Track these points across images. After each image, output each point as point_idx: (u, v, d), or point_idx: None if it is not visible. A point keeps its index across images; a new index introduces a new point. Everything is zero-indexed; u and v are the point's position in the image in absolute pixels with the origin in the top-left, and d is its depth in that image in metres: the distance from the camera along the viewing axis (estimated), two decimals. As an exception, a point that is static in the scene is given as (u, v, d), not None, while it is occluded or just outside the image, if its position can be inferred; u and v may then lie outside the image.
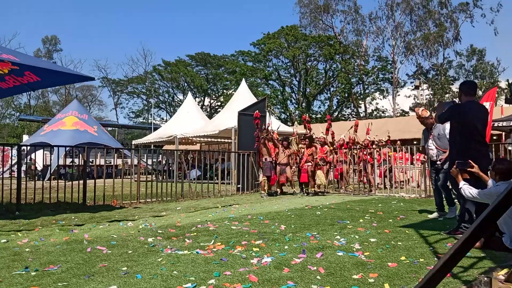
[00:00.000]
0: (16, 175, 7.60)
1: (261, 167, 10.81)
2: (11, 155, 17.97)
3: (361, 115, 44.72)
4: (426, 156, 6.83)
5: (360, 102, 45.69)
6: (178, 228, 5.31)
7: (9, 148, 17.14)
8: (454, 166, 4.34)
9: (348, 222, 5.68)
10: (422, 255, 3.67)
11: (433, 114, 5.92)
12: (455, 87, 42.44)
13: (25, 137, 26.21)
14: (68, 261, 3.51)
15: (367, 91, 45.36)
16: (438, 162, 6.14)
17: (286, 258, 3.58)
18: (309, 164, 10.71)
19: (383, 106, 45.98)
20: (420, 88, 34.06)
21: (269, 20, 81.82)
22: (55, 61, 51.26)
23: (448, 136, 5.31)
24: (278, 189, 11.22)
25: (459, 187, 4.18)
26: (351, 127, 13.22)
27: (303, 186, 11.11)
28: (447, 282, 2.85)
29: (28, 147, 12.37)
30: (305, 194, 10.66)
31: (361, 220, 5.84)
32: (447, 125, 5.54)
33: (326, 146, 11.43)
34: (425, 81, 43.34)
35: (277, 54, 44.19)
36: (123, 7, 78.82)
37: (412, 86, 44.40)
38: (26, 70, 6.80)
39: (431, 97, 43.11)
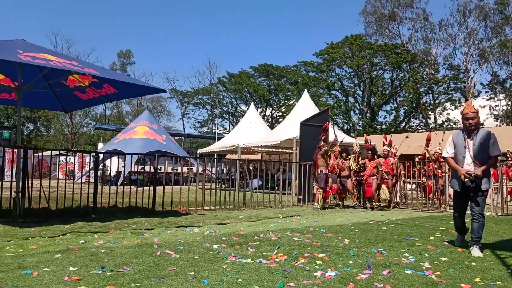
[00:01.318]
0: (92, 180, 8.17)
1: (315, 178, 10.60)
2: (89, 161, 19.35)
3: (431, 126, 42.57)
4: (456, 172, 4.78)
5: (430, 112, 43.51)
6: (241, 236, 5.40)
7: (86, 155, 18.49)
8: None
9: (417, 239, 5.42)
10: (500, 278, 3.41)
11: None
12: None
13: (100, 145, 28.12)
14: (140, 263, 3.71)
15: (437, 101, 43.14)
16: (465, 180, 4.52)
17: (350, 273, 3.50)
18: (374, 177, 10.35)
19: (454, 117, 43.40)
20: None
21: (332, 30, 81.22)
22: (129, 73, 54.67)
23: (490, 148, 4.49)
24: (340, 202, 10.98)
25: None
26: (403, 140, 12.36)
27: (367, 201, 10.73)
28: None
29: (103, 154, 13.25)
30: (370, 209, 10.24)
31: (431, 238, 5.55)
32: (490, 134, 4.55)
33: (391, 158, 10.99)
34: (501, 91, 40.37)
35: (341, 64, 43.57)
36: (191, 23, 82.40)
37: (487, 96, 41.61)
38: (104, 82, 7.35)
39: (509, 108, 40.01)
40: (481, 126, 5.04)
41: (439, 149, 11.84)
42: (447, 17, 41.49)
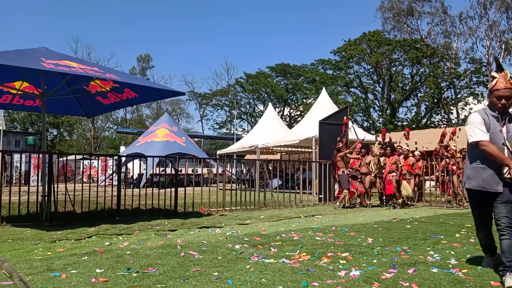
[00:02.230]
0: (115, 183, 8.32)
1: (337, 181, 10.46)
2: (112, 165, 19.71)
3: (453, 121, 41.72)
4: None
5: (452, 107, 42.65)
6: (263, 236, 5.41)
7: (109, 158, 18.84)
8: None
9: (442, 236, 5.32)
10: (531, 276, 3.31)
11: None
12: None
13: (122, 148, 28.61)
14: (164, 264, 3.76)
15: (459, 95, 42.26)
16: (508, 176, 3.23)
17: (375, 272, 3.47)
18: (394, 174, 10.13)
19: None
20: None
21: (350, 27, 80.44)
22: (148, 77, 55.39)
23: None
24: (358, 199, 10.75)
25: None
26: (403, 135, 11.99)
27: (388, 198, 10.48)
28: None
29: (125, 158, 13.48)
30: (392, 207, 10.00)
31: (457, 235, 5.43)
32: None
33: (411, 158, 10.76)
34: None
35: (359, 61, 43.17)
36: (207, 25, 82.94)
37: None
38: (125, 87, 7.47)
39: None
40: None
41: (454, 145, 11.54)
42: (467, 9, 40.64)
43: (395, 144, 11.29)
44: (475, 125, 3.36)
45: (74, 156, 11.71)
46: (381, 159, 10.42)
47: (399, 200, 10.18)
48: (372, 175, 10.41)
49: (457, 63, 41.62)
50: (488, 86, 3.45)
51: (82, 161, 26.55)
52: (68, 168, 22.71)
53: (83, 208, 7.83)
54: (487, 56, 39.05)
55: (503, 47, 38.11)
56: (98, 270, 3.53)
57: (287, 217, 7.82)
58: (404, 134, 12.00)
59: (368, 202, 10.54)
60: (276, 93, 50.96)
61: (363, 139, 12.11)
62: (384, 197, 10.69)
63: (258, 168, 18.51)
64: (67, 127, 52.63)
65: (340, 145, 10.31)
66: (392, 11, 41.82)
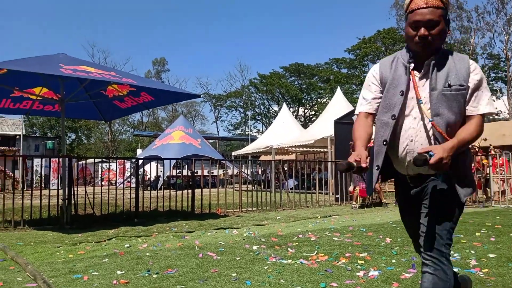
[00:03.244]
0: (134, 186, 8.44)
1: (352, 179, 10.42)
2: (130, 167, 19.96)
3: (471, 118, 40.98)
4: None
5: (469, 104, 41.92)
6: (280, 237, 5.42)
7: (127, 161, 19.09)
8: None
9: (462, 236, 5.25)
10: (555, 275, 3.25)
11: None
12: None
13: (139, 151, 28.91)
14: (183, 265, 3.81)
15: (477, 92, 41.49)
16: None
17: (394, 272, 3.45)
18: None
19: (496, 108, 41.59)
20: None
21: (364, 25, 79.76)
22: (163, 80, 55.91)
23: (473, 97, 1.98)
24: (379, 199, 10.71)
25: None
26: None
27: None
28: None
29: (142, 160, 13.65)
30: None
31: (477, 234, 5.35)
32: (473, 65, 2.03)
33: None
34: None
35: (374, 59, 42.81)
36: (221, 27, 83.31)
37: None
38: (142, 91, 7.58)
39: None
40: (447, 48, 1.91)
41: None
42: (484, 4, 39.92)
43: None
44: (364, 87, 2.13)
45: (92, 159, 11.91)
46: None
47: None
48: None
49: (475, 59, 40.87)
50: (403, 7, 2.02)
51: (100, 164, 27.01)
52: (87, 171, 23.09)
53: (102, 211, 7.97)
54: (505, 51, 38.25)
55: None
56: (119, 272, 3.60)
57: (304, 218, 7.82)
58: None
59: (384, 200, 10.50)
60: (290, 93, 50.88)
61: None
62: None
63: (274, 168, 18.51)
64: (85, 131, 53.48)
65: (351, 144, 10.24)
66: (406, 7, 41.32)
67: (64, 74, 6.06)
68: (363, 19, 77.33)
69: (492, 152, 11.24)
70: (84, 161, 23.44)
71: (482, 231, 5.63)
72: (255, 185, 17.14)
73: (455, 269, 3.46)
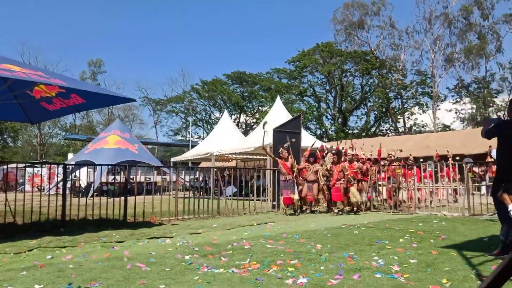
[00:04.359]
0: (61, 192, 7.95)
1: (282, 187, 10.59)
2: (57, 173, 18.83)
3: (400, 130, 43.68)
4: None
5: (399, 117, 44.70)
6: (214, 246, 5.37)
7: (55, 166, 17.98)
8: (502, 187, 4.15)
9: (387, 242, 5.53)
10: (465, 278, 3.52)
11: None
12: (498, 101, 40.73)
13: (70, 155, 27.44)
14: (109, 277, 3.63)
15: (405, 105, 44.39)
16: None
17: (322, 279, 3.54)
18: (341, 182, 10.33)
19: (422, 121, 44.76)
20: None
21: (304, 37, 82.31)
22: (99, 82, 53.60)
23: None
24: (306, 207, 10.90)
25: (509, 209, 4.05)
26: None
27: (333, 205, 10.72)
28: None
29: (73, 166, 12.94)
30: (339, 213, 10.24)
31: (400, 240, 5.67)
32: None
33: (355, 162, 11.05)
34: (467, 95, 41.87)
35: (312, 71, 44.27)
36: (162, 30, 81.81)
37: (453, 100, 43.09)
38: (72, 92, 7.19)
39: (474, 111, 41.52)
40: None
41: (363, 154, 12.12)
42: (414, 24, 42.91)
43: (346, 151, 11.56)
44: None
45: (16, 164, 11.07)
46: (328, 166, 10.65)
47: (346, 208, 10.39)
48: (322, 183, 10.62)
49: (404, 74, 43.75)
50: None
51: (24, 169, 25.22)
52: (10, 176, 21.42)
53: (25, 219, 7.41)
54: (431, 68, 41.32)
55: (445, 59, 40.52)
56: (37, 286, 3.35)
57: (240, 225, 7.82)
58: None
59: (317, 208, 10.80)
60: (232, 100, 51.02)
61: (312, 144, 12.35)
62: (330, 204, 10.89)
63: (213, 175, 18.40)
64: (11, 133, 49.74)
65: (284, 153, 10.38)
66: (344, 23, 43.35)
67: (-17, 72, 5.59)
68: (304, 31, 79.83)
69: (410, 161, 12.08)
70: (6, 166, 21.76)
71: (405, 237, 5.97)
72: (194, 192, 16.90)
73: (378, 275, 3.63)
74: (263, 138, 11.85)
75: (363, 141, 18.40)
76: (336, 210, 10.54)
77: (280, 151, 10.50)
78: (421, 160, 13.42)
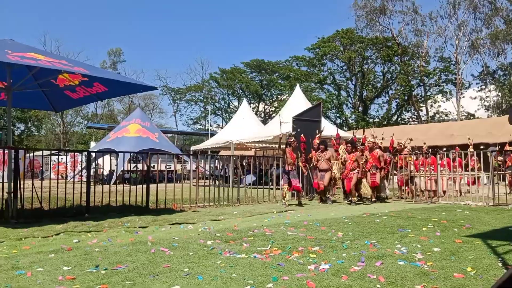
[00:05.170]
0: (85, 180, 8.13)
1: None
2: (81, 161, 19.23)
3: (423, 118, 42.85)
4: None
5: (421, 105, 43.80)
6: (235, 232, 5.42)
7: (78, 154, 18.37)
8: None
9: (410, 230, 5.47)
10: (490, 267, 3.46)
11: None
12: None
13: (92, 144, 27.97)
14: (134, 261, 3.71)
15: (428, 93, 43.41)
16: None
17: (344, 265, 3.54)
18: (355, 171, 10.00)
19: (446, 109, 43.75)
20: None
21: (324, 24, 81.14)
22: (119, 72, 54.22)
23: None
24: (319, 196, 10.66)
25: None
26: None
27: (345, 195, 10.48)
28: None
29: (95, 153, 13.19)
30: (349, 203, 9.95)
31: (423, 229, 5.60)
32: None
33: (378, 150, 10.75)
34: (492, 82, 40.68)
35: (332, 58, 43.66)
36: (182, 19, 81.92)
37: (477, 87, 41.94)
38: (95, 81, 7.30)
39: (499, 99, 40.35)
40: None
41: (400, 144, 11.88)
42: (437, 9, 41.76)
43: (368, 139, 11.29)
44: None
45: (41, 151, 11.35)
46: (343, 156, 10.29)
47: (355, 198, 10.08)
48: (337, 172, 10.26)
49: (427, 61, 42.72)
50: None
51: (50, 156, 25.84)
52: (36, 164, 22.03)
53: (51, 205, 7.62)
54: (455, 55, 40.25)
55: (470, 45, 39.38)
56: (65, 268, 3.45)
57: (260, 213, 7.86)
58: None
59: (329, 196, 10.47)
60: (250, 89, 50.92)
61: (322, 129, 12.13)
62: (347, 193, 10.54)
63: (233, 164, 18.49)
64: (35, 122, 50.91)
65: (293, 140, 10.12)
66: (365, 9, 42.49)
67: (10, 61, 5.72)
68: (324, 18, 78.70)
69: (425, 150, 11.87)
70: (32, 153, 22.36)
71: (428, 226, 5.90)
72: (214, 180, 17.04)
73: (401, 262, 3.60)
74: (280, 124, 11.65)
75: (384, 130, 18.19)
76: (347, 200, 10.22)
77: (290, 139, 10.12)
78: (444, 149, 13.18)
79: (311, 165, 10.89)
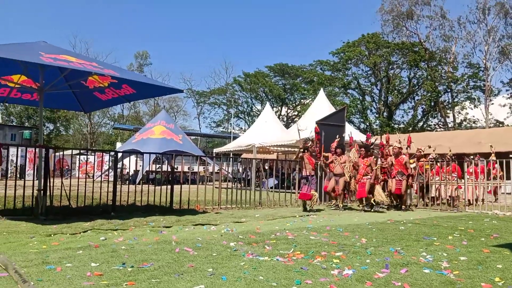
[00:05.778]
0: (111, 179, 8.32)
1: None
2: (109, 160, 19.65)
3: (449, 125, 41.88)
4: None
5: (448, 111, 42.80)
6: (258, 234, 5.44)
7: (105, 154, 18.79)
8: None
9: (435, 238, 5.37)
10: (521, 278, 3.37)
11: None
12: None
13: (118, 144, 28.51)
14: (159, 259, 3.79)
15: (456, 99, 42.39)
16: None
17: (368, 271, 3.51)
18: (368, 177, 9.66)
19: (473, 116, 42.61)
20: None
21: (349, 29, 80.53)
22: (145, 74, 55.20)
23: None
24: (337, 202, 10.38)
25: None
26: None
27: (359, 202, 10.19)
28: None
29: (121, 154, 13.48)
30: (362, 211, 9.63)
31: (449, 237, 5.49)
32: None
33: (404, 156, 10.30)
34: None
35: (357, 63, 43.22)
36: (207, 23, 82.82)
37: (507, 95, 40.70)
38: (123, 83, 7.48)
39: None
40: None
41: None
42: (466, 14, 40.82)
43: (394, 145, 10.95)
44: None
45: (70, 151, 11.72)
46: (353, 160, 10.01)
47: (362, 205, 9.84)
48: (347, 176, 10.02)
49: (455, 67, 41.77)
50: None
51: (78, 156, 26.52)
52: (64, 163, 22.65)
53: (78, 203, 7.83)
54: (484, 61, 39.22)
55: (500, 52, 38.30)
56: (93, 264, 3.55)
57: (282, 216, 7.86)
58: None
59: (341, 204, 10.22)
60: (274, 93, 50.97)
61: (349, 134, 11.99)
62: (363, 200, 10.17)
63: (255, 167, 18.53)
64: (63, 122, 52.38)
65: (310, 144, 9.85)
66: (392, 13, 41.95)
67: (44, 62, 5.94)
68: (349, 22, 78.12)
69: (448, 157, 11.56)
70: (61, 152, 22.98)
71: (455, 234, 5.77)
72: (235, 183, 17.13)
73: (426, 270, 3.55)
74: (299, 132, 11.63)
75: (405, 136, 17.81)
76: (360, 207, 9.94)
77: (308, 144, 9.87)
78: (471, 156, 12.84)
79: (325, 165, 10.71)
